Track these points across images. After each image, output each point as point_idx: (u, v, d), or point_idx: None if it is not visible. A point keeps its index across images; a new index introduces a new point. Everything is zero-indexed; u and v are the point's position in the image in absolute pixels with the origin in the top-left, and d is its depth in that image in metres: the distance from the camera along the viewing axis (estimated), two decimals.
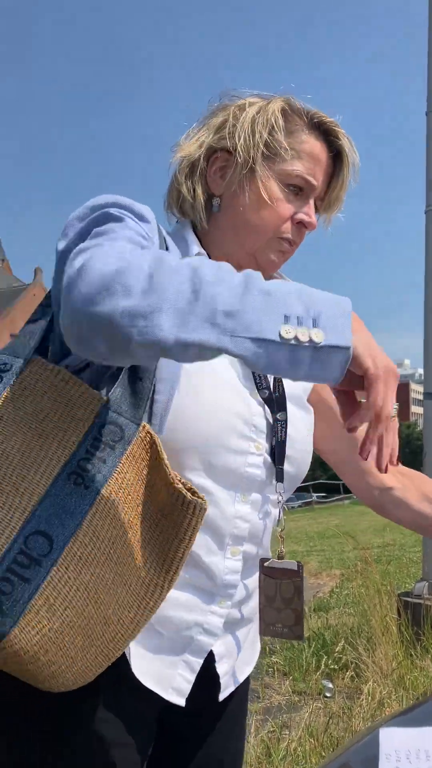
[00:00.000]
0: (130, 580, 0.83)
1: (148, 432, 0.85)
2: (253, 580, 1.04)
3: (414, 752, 0.77)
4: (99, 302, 0.68)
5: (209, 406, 0.91)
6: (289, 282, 0.74)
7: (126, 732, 0.92)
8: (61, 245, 0.87)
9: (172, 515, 0.86)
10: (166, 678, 0.94)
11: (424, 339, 4.49)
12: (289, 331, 0.68)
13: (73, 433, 0.82)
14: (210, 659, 1.00)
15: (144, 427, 0.85)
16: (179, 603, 0.94)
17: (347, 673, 3.78)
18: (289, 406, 1.03)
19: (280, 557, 1.03)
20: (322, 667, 3.85)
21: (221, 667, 1.01)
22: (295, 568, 1.03)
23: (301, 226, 1.02)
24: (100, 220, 0.84)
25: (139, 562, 0.84)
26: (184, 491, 0.85)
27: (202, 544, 0.94)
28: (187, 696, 0.96)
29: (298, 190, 1.01)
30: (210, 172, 1.02)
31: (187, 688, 0.96)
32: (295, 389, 1.06)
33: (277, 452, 1.01)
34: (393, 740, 0.80)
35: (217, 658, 1.00)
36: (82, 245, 0.76)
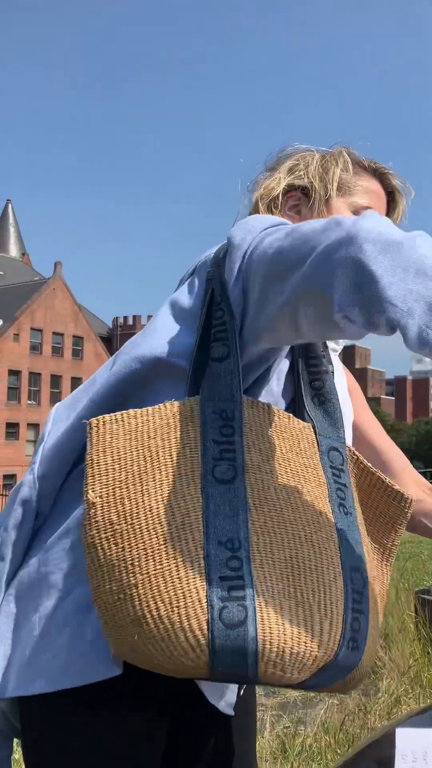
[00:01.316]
0: (375, 575, 0.92)
1: (349, 448, 0.91)
2: None
3: (431, 753, 0.76)
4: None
5: None
6: None
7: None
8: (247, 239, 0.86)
9: (390, 515, 0.93)
10: (218, 689, 0.93)
11: None
12: None
13: (316, 467, 0.85)
14: None
15: (348, 447, 0.91)
16: None
17: None
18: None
19: None
20: None
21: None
22: None
23: None
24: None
25: (373, 558, 0.92)
26: (401, 489, 0.92)
27: None
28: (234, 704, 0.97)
29: None
30: (285, 209, 1.14)
31: (234, 698, 0.96)
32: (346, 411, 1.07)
33: None
34: (409, 740, 0.79)
35: None
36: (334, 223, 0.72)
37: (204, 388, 0.83)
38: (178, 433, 0.81)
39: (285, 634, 0.73)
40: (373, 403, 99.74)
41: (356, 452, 0.91)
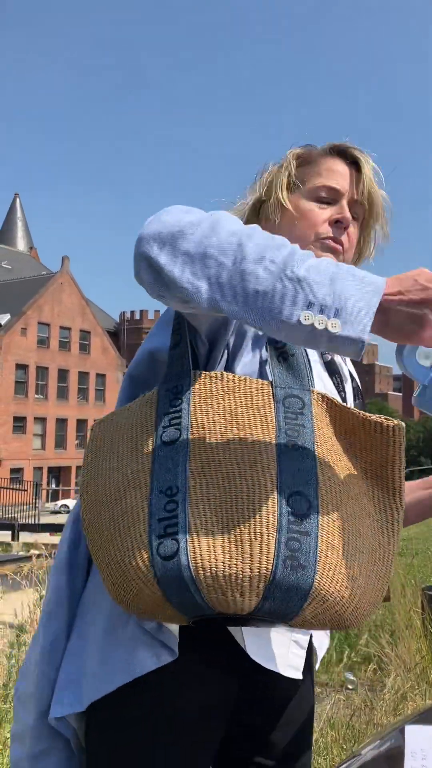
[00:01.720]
0: (369, 508, 0.94)
1: (318, 393, 0.97)
2: None
3: None
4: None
5: None
6: (336, 266, 0.81)
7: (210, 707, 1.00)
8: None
9: (377, 446, 0.95)
10: (282, 657, 1.03)
11: None
12: (308, 318, 0.78)
13: (267, 416, 0.94)
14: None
15: (313, 391, 0.96)
16: None
17: (370, 666, 3.77)
18: None
19: None
20: (345, 659, 3.86)
21: (315, 640, 1.12)
22: None
23: (339, 224, 1.17)
24: None
25: (368, 492, 0.95)
26: (380, 419, 0.94)
27: None
28: (301, 670, 1.06)
29: (329, 199, 1.18)
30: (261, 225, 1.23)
31: (301, 663, 1.06)
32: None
33: None
34: (419, 738, 0.80)
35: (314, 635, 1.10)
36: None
37: (165, 374, 0.98)
38: (141, 416, 0.96)
39: (216, 559, 0.83)
40: (381, 399, 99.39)
41: (328, 395, 0.96)
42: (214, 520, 0.86)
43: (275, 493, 0.87)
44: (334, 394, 1.10)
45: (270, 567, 0.83)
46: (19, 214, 65.36)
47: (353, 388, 1.18)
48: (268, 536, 0.84)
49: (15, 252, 57.50)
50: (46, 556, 4.64)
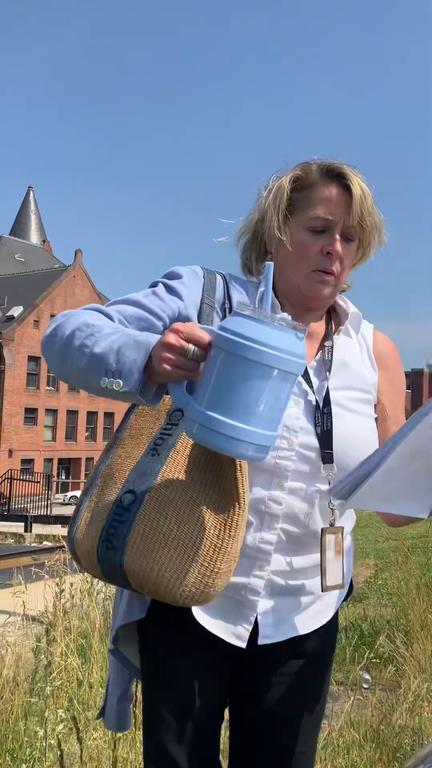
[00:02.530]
0: (207, 507, 1.12)
1: None
2: (302, 559, 1.27)
3: None
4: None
5: None
6: (126, 335, 1.07)
7: (201, 673, 1.28)
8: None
9: (227, 462, 1.13)
10: (230, 629, 1.26)
11: None
12: (105, 382, 1.05)
13: (153, 427, 1.22)
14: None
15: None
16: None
17: (385, 666, 3.79)
18: (343, 411, 1.29)
19: (331, 524, 1.27)
20: (358, 658, 3.88)
21: (264, 619, 1.27)
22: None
23: (330, 255, 1.27)
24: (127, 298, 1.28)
25: (210, 494, 1.13)
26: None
27: (249, 523, 1.22)
28: (246, 641, 1.26)
29: (322, 229, 1.27)
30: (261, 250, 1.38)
31: (246, 633, 1.26)
32: (357, 400, 1.33)
33: (323, 440, 1.26)
34: None
35: (260, 612, 1.27)
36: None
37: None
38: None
39: (80, 534, 1.19)
40: None
41: None
42: (92, 506, 1.19)
43: (119, 488, 1.16)
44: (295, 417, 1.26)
45: (96, 545, 1.15)
46: (32, 207, 65.41)
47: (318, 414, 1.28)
48: (100, 521, 1.15)
49: (28, 245, 57.56)
50: (63, 549, 4.67)
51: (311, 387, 1.29)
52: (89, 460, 43.37)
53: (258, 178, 1.35)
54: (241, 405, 0.98)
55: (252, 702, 1.32)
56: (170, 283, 1.28)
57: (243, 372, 0.97)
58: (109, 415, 45.25)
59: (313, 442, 1.25)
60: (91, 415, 44.22)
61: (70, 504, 33.86)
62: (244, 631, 1.26)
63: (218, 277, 1.33)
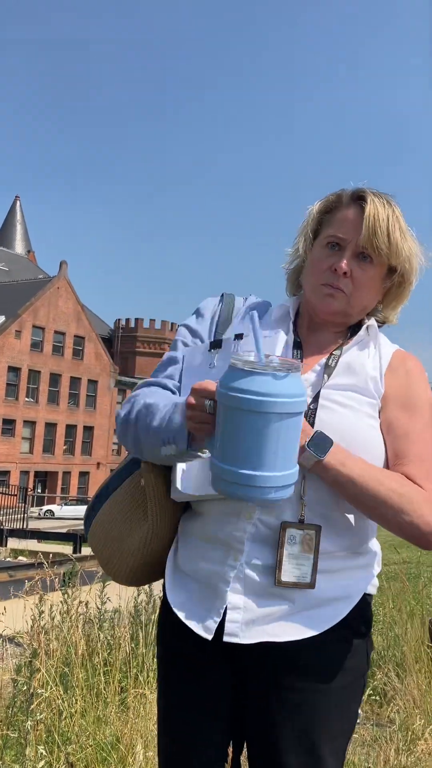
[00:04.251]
0: (133, 513, 1.43)
1: None
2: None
3: None
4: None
5: None
6: (173, 405, 1.25)
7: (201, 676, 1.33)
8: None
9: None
10: (202, 620, 1.29)
11: None
12: (165, 449, 1.25)
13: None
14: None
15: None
16: (207, 557, 1.30)
17: (377, 700, 3.65)
18: (335, 405, 1.31)
19: (301, 521, 1.25)
20: None
21: (231, 615, 1.27)
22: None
23: (335, 272, 1.34)
24: (164, 359, 1.50)
25: (134, 503, 1.44)
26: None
27: (226, 511, 1.28)
28: (213, 632, 1.27)
29: (335, 246, 1.36)
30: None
31: (213, 626, 1.28)
32: (356, 399, 1.33)
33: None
34: None
35: (229, 606, 1.27)
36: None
37: None
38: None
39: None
40: None
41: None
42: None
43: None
44: None
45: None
46: (18, 216, 65.32)
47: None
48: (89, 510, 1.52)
49: (13, 254, 57.40)
50: (41, 566, 4.46)
51: (308, 389, 1.31)
52: (66, 473, 42.88)
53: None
54: (252, 454, 1.02)
55: (248, 711, 1.31)
56: (193, 326, 1.48)
57: (245, 423, 1.01)
58: (88, 429, 44.89)
59: None
60: (70, 429, 43.82)
61: (45, 518, 33.32)
62: (213, 623, 1.28)
63: (237, 302, 1.48)
